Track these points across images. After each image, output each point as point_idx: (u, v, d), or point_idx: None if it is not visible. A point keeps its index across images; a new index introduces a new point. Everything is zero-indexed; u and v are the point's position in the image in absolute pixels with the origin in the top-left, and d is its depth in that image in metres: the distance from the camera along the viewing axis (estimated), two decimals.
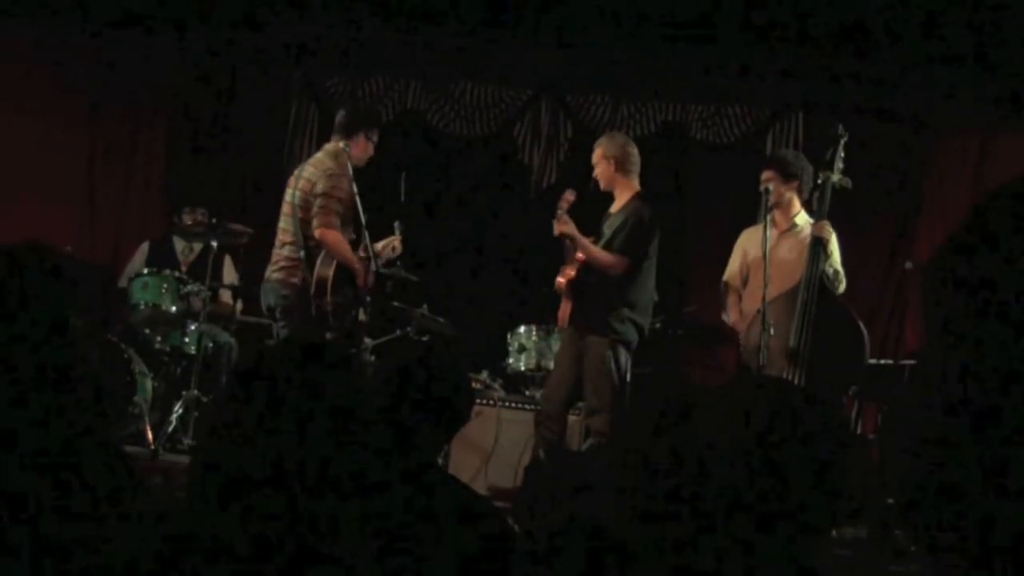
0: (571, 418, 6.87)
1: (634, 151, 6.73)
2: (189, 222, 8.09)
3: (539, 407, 6.77)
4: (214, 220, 7.55)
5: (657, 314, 7.85)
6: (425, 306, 7.96)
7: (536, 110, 9.23)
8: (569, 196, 6.59)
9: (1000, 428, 0.96)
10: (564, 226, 6.49)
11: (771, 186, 6.47)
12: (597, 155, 6.71)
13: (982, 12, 7.75)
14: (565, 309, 6.67)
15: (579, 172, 7.20)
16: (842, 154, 6.43)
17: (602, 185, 6.71)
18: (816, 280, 6.19)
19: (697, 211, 9.19)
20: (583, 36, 8.79)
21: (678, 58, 8.83)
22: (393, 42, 9.05)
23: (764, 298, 6.13)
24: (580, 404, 6.79)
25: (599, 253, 6.51)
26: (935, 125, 8.75)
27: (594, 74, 9.06)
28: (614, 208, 6.71)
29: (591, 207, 6.83)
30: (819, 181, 6.44)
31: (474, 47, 9.04)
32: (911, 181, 8.80)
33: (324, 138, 9.05)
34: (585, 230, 6.59)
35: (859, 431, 7.09)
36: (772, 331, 6.08)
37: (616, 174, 6.65)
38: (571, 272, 6.60)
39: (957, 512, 0.99)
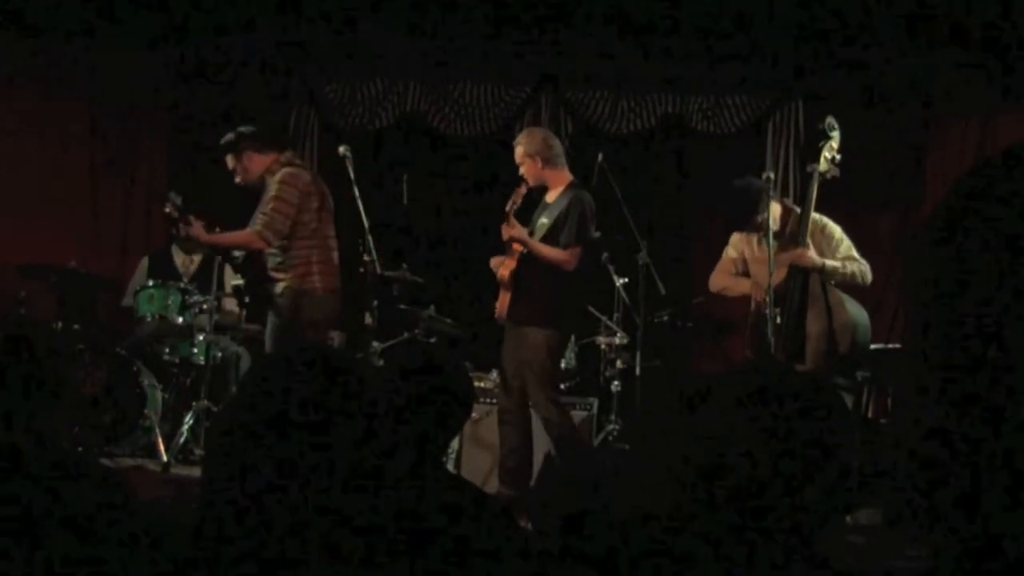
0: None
1: (556, 143, 6.75)
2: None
3: (497, 403, 6.74)
4: (217, 230, 7.52)
5: (664, 307, 7.85)
6: (432, 308, 7.97)
7: (536, 108, 9.22)
8: (522, 191, 6.60)
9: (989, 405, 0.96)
10: (512, 230, 6.50)
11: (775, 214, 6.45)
12: (519, 154, 6.67)
13: None
14: (504, 300, 6.62)
15: (581, 168, 7.18)
16: (834, 145, 6.42)
17: (531, 183, 6.66)
18: (798, 297, 6.24)
19: (700, 203, 9.18)
20: (580, 32, 8.78)
21: (677, 50, 8.81)
22: (391, 44, 9.05)
23: (769, 286, 6.14)
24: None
25: (551, 252, 6.48)
26: (935, 109, 8.74)
27: (593, 69, 9.05)
28: (550, 198, 6.69)
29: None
30: (808, 171, 6.45)
31: (472, 46, 9.04)
32: (913, 165, 8.78)
33: (324, 144, 9.10)
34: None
35: (870, 416, 7.08)
36: (778, 319, 6.10)
37: (544, 169, 6.63)
38: (512, 264, 6.55)
39: (951, 497, 0.99)
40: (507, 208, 6.57)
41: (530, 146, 6.65)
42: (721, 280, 6.73)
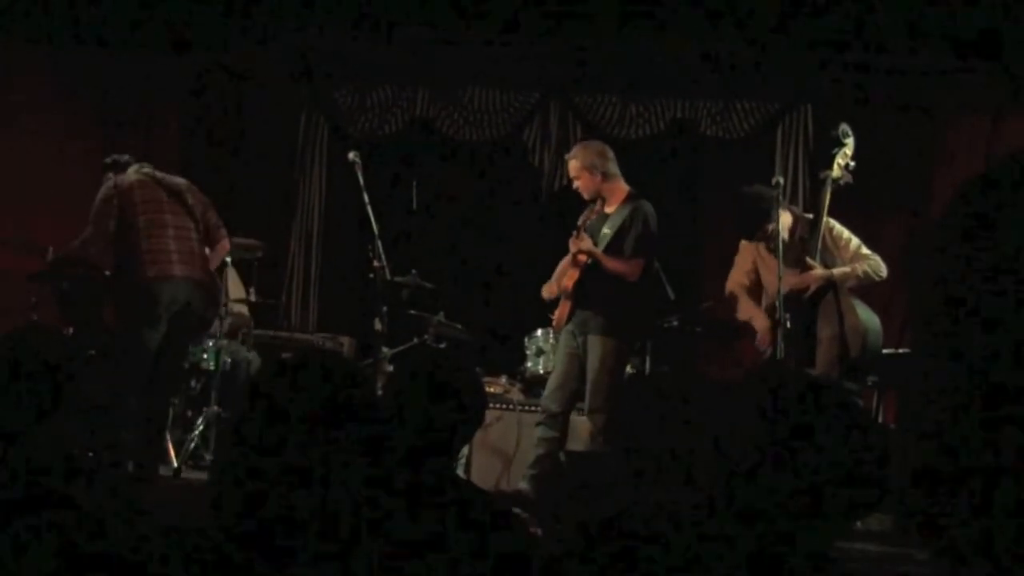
0: (579, 418, 6.85)
1: (611, 154, 6.72)
2: None
3: (541, 406, 6.75)
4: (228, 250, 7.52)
5: (673, 312, 7.85)
6: (442, 313, 7.98)
7: (545, 113, 9.23)
8: (598, 208, 6.63)
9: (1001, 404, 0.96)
10: (582, 242, 6.52)
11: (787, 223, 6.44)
12: (575, 168, 6.66)
13: None
14: (563, 310, 6.65)
15: None
16: (847, 152, 6.42)
17: (586, 196, 6.67)
18: (808, 301, 6.25)
19: (709, 207, 9.17)
20: (589, 36, 8.78)
21: (685, 55, 8.81)
22: (399, 50, 9.06)
23: (779, 291, 6.13)
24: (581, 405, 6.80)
25: (616, 263, 6.49)
26: (944, 112, 8.73)
27: (601, 74, 9.06)
28: (609, 208, 6.67)
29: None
30: (820, 178, 6.46)
31: (481, 52, 9.05)
32: (922, 169, 8.77)
33: (334, 150, 9.12)
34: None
35: (880, 420, 7.07)
36: (788, 324, 6.10)
37: (604, 183, 6.63)
38: (575, 274, 6.58)
39: (950, 500, 0.99)
40: (579, 222, 6.62)
41: (587, 159, 6.64)
42: (736, 293, 6.71)
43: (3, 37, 8.92)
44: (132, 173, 6.95)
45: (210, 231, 7.00)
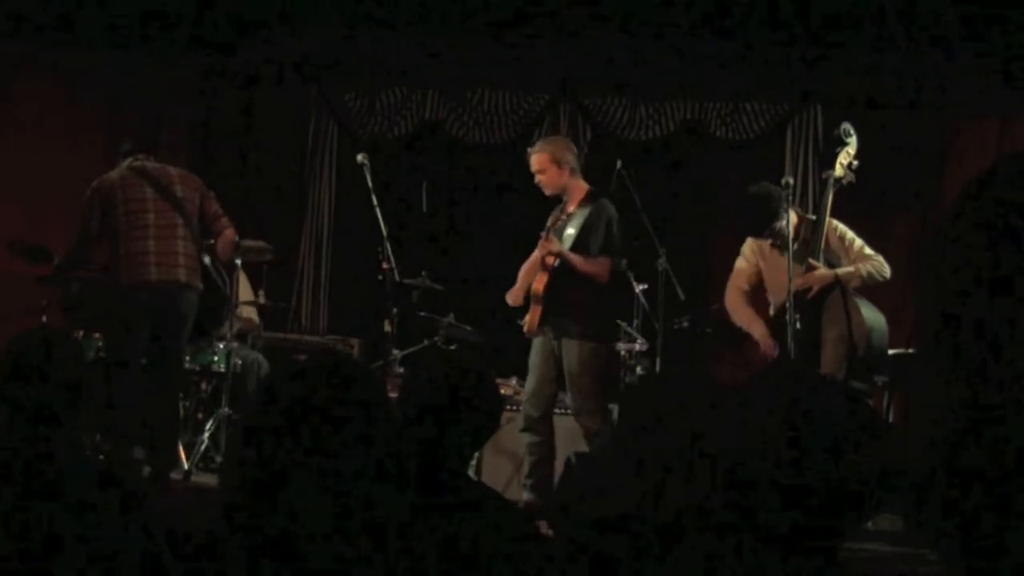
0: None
1: (575, 149, 6.72)
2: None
3: (523, 413, 6.70)
4: (236, 239, 7.51)
5: (683, 313, 7.84)
6: (452, 315, 7.97)
7: (555, 115, 9.23)
8: (570, 209, 6.57)
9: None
10: (552, 244, 6.42)
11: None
12: (543, 160, 6.55)
13: None
14: (534, 314, 6.52)
15: (600, 175, 7.17)
16: (850, 151, 6.41)
17: (549, 191, 6.60)
18: (814, 301, 6.24)
19: (719, 208, 9.16)
20: (598, 38, 8.79)
21: (695, 57, 8.81)
22: (408, 53, 9.08)
23: (789, 292, 6.12)
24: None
25: (587, 264, 6.42)
26: (954, 113, 8.71)
27: (611, 76, 9.06)
28: (570, 207, 6.60)
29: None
30: (824, 178, 6.45)
31: (490, 54, 9.05)
32: (932, 169, 8.75)
33: (344, 153, 9.13)
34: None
35: (890, 420, 7.07)
36: (798, 324, 6.09)
37: (571, 178, 6.56)
38: (545, 277, 6.48)
39: (967, 502, 0.99)
40: (549, 223, 6.53)
41: (556, 153, 6.56)
42: (734, 301, 6.71)
43: (9, 39, 8.94)
44: (119, 170, 6.85)
45: (210, 222, 6.91)
